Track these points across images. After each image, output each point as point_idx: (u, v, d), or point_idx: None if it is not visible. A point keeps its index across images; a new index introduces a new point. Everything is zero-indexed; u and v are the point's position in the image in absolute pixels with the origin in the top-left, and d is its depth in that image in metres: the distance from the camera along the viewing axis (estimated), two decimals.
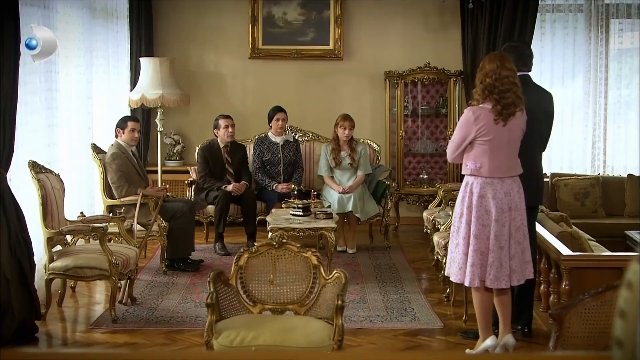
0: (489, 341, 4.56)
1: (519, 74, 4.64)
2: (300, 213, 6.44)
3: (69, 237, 5.74)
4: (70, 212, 6.01)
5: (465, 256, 4.48)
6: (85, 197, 7.14)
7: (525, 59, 4.92)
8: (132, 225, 6.21)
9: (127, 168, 6.54)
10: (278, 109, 7.61)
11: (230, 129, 7.38)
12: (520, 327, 5.00)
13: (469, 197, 4.47)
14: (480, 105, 4.46)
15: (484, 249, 4.44)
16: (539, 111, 4.69)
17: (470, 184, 4.50)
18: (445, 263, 5.56)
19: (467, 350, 4.69)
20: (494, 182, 4.43)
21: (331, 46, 8.64)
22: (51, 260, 5.33)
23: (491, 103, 4.42)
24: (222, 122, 7.40)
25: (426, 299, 5.82)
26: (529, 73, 4.90)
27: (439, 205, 7.12)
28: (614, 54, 8.53)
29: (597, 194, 8.05)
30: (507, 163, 4.47)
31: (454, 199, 6.39)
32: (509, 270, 4.46)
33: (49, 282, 5.34)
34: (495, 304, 4.61)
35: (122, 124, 6.62)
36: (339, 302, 3.86)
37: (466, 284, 4.53)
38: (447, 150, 4.62)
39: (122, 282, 5.62)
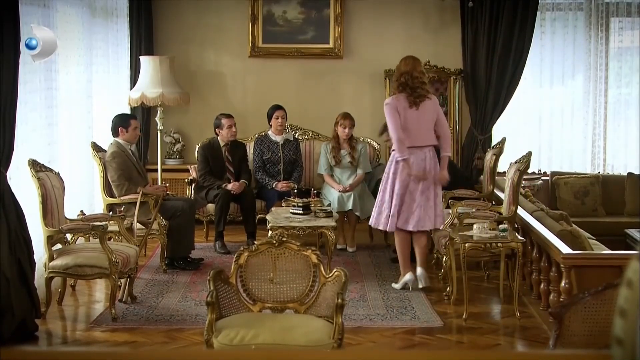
0: (408, 276, 5.92)
1: None
2: (300, 211, 6.44)
3: (69, 236, 5.74)
4: (70, 211, 6.01)
5: (389, 209, 5.83)
6: (85, 196, 7.13)
7: None
8: (132, 223, 6.20)
9: (127, 166, 6.54)
10: (277, 107, 7.62)
11: (233, 129, 7.40)
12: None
13: (395, 164, 5.82)
14: (397, 94, 5.85)
15: (403, 202, 5.81)
16: None
17: (394, 154, 5.86)
18: (444, 260, 5.79)
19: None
20: (414, 151, 5.78)
21: (331, 45, 8.64)
22: (51, 258, 5.33)
23: (405, 94, 5.82)
24: (225, 122, 7.40)
25: (426, 298, 5.82)
26: None
27: None
28: (614, 52, 8.53)
29: (597, 193, 8.05)
30: (422, 135, 5.83)
31: (454, 198, 6.42)
32: (432, 216, 5.82)
33: (49, 280, 5.34)
34: (414, 244, 5.95)
35: (124, 123, 6.60)
36: (339, 300, 3.86)
37: (389, 229, 5.92)
38: (394, 143, 5.81)
39: (122, 280, 5.63)
